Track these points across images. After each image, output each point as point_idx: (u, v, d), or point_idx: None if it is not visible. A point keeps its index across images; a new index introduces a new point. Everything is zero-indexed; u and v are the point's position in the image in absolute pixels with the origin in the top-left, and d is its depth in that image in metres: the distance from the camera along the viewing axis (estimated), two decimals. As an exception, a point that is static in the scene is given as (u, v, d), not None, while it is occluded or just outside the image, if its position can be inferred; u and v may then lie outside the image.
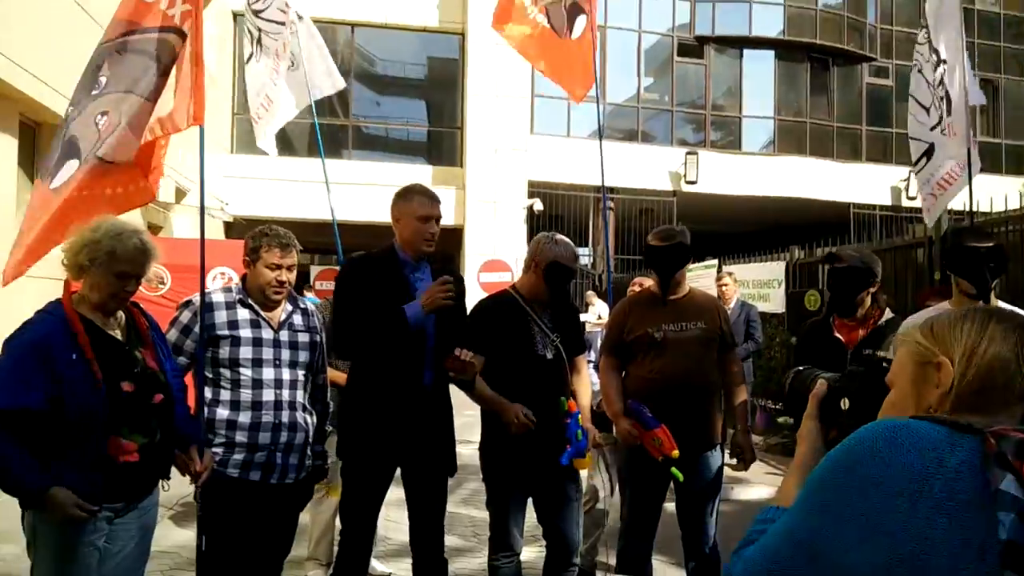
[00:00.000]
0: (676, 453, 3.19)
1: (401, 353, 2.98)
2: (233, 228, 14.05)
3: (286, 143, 15.56)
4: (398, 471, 3.10)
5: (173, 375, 2.56)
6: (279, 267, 2.89)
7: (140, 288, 2.46)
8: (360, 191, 13.22)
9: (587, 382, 3.54)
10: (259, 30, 5.75)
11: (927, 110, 4.59)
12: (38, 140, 7.67)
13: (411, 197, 3.10)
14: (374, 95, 17.60)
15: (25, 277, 2.91)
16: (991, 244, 2.92)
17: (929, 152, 4.67)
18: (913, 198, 15.67)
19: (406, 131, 17.94)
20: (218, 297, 2.92)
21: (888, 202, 17.07)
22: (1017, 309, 2.83)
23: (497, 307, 3.34)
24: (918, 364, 1.13)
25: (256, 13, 5.74)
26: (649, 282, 3.84)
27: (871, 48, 18.00)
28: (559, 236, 3.40)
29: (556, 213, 15.65)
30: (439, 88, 17.52)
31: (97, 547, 2.31)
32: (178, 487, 2.89)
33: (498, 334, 3.24)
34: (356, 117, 17.00)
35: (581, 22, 4.97)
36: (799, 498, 1.09)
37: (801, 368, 1.58)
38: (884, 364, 1.25)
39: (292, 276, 2.96)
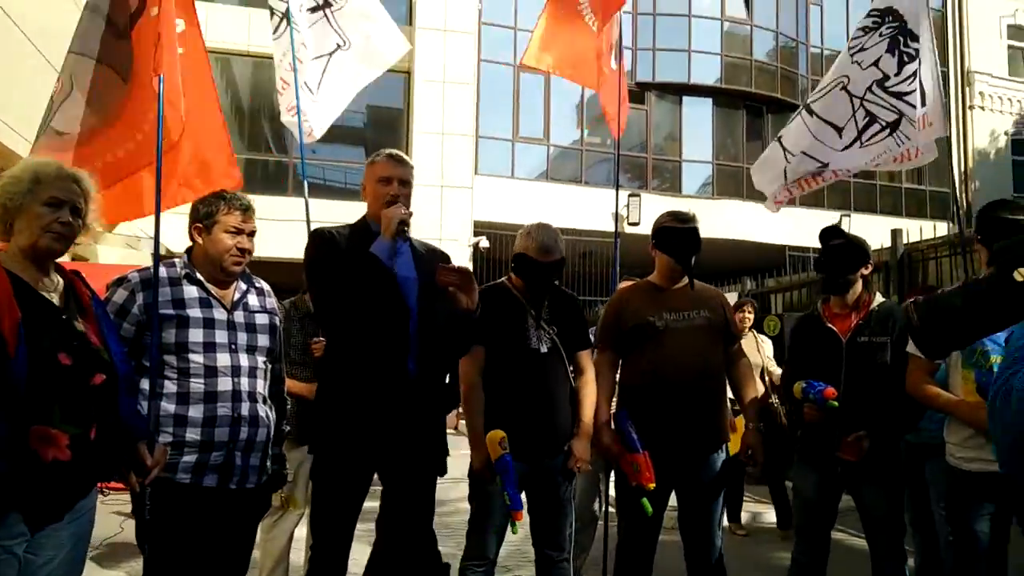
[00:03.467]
0: (652, 486, 2.95)
1: (383, 335, 2.62)
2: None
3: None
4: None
5: (121, 359, 2.12)
6: (240, 231, 2.53)
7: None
8: (300, 227, 13.02)
9: (591, 382, 3.16)
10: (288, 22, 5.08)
11: (839, 131, 4.68)
12: None
13: (374, 161, 2.81)
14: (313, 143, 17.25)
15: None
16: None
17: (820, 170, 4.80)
18: None
19: (344, 175, 17.56)
20: (159, 272, 2.48)
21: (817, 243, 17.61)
22: None
23: (489, 298, 2.98)
24: None
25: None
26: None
27: (803, 97, 18.73)
28: (541, 224, 3.11)
29: (502, 253, 15.70)
30: (383, 130, 17.47)
31: (15, 554, 1.86)
32: (100, 526, 2.38)
33: (489, 324, 2.92)
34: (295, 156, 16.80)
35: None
36: None
37: (912, 299, 1.44)
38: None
39: (252, 245, 2.59)
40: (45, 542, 1.94)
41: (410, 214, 2.67)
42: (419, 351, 2.67)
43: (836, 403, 2.89)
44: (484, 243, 15.44)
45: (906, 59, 4.48)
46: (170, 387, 2.39)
